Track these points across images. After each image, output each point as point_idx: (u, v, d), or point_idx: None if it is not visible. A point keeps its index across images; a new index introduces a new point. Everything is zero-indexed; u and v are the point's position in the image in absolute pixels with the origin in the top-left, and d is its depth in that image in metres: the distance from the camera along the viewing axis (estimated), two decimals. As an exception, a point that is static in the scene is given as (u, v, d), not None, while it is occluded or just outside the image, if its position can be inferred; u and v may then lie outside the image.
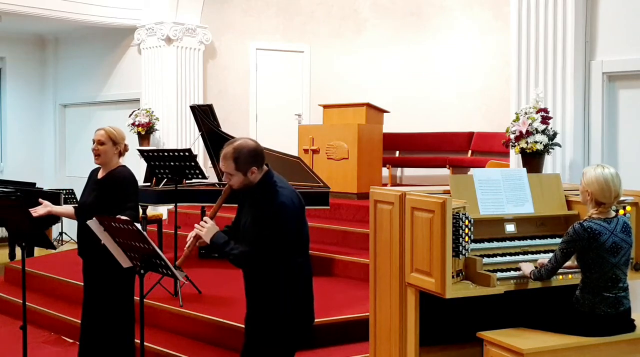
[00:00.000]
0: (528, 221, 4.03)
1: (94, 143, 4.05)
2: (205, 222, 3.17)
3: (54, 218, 7.61)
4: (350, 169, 7.86)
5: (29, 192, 7.61)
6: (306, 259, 3.23)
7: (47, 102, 11.16)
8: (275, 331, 3.16)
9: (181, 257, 3.25)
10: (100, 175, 4.12)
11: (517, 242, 3.93)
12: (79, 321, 4.27)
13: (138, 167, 6.98)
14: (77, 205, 4.28)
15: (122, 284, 4.03)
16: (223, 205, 3.29)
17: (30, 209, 4.05)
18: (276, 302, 3.12)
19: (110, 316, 4.03)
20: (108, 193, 3.98)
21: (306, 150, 8.18)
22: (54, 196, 7.66)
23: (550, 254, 3.77)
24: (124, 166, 4.14)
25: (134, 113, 9.02)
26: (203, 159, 8.73)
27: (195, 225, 3.20)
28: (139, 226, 3.38)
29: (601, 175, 3.42)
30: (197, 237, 3.19)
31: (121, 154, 4.11)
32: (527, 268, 3.63)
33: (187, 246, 3.22)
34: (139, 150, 6.99)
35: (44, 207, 4.14)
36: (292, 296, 3.16)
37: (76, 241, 4.43)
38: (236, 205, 3.35)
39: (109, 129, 4.06)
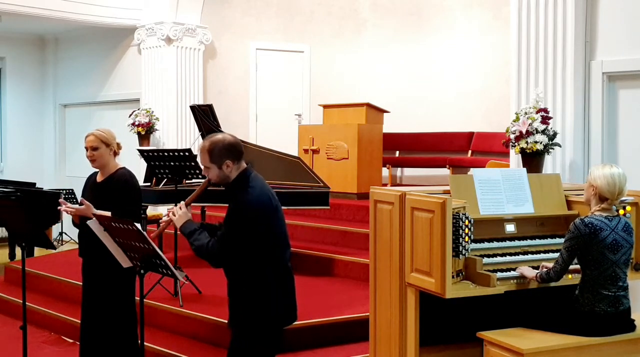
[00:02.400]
0: (528, 221, 4.03)
1: (87, 150, 4.01)
2: (180, 208, 3.27)
3: (54, 218, 7.61)
4: (350, 169, 7.86)
5: (29, 192, 7.60)
6: (284, 258, 3.24)
7: (47, 102, 11.16)
8: (266, 331, 3.17)
9: (153, 233, 3.48)
10: (99, 178, 4.08)
11: (517, 242, 3.93)
12: (79, 321, 4.26)
13: (138, 167, 6.98)
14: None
15: (123, 284, 4.02)
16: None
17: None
18: (267, 304, 3.13)
19: (112, 316, 4.02)
20: (109, 197, 3.95)
21: (306, 150, 8.18)
22: (54, 196, 7.65)
23: (551, 254, 3.77)
24: (124, 168, 4.10)
25: (134, 113, 9.02)
26: (203, 159, 8.70)
27: (168, 209, 3.33)
28: (139, 226, 3.38)
29: (609, 171, 3.49)
30: (169, 221, 3.31)
31: (116, 154, 4.08)
32: (529, 272, 3.61)
33: (161, 226, 3.43)
34: (139, 150, 6.99)
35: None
36: (285, 297, 3.19)
37: (76, 240, 4.42)
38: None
39: (98, 133, 4.01)
